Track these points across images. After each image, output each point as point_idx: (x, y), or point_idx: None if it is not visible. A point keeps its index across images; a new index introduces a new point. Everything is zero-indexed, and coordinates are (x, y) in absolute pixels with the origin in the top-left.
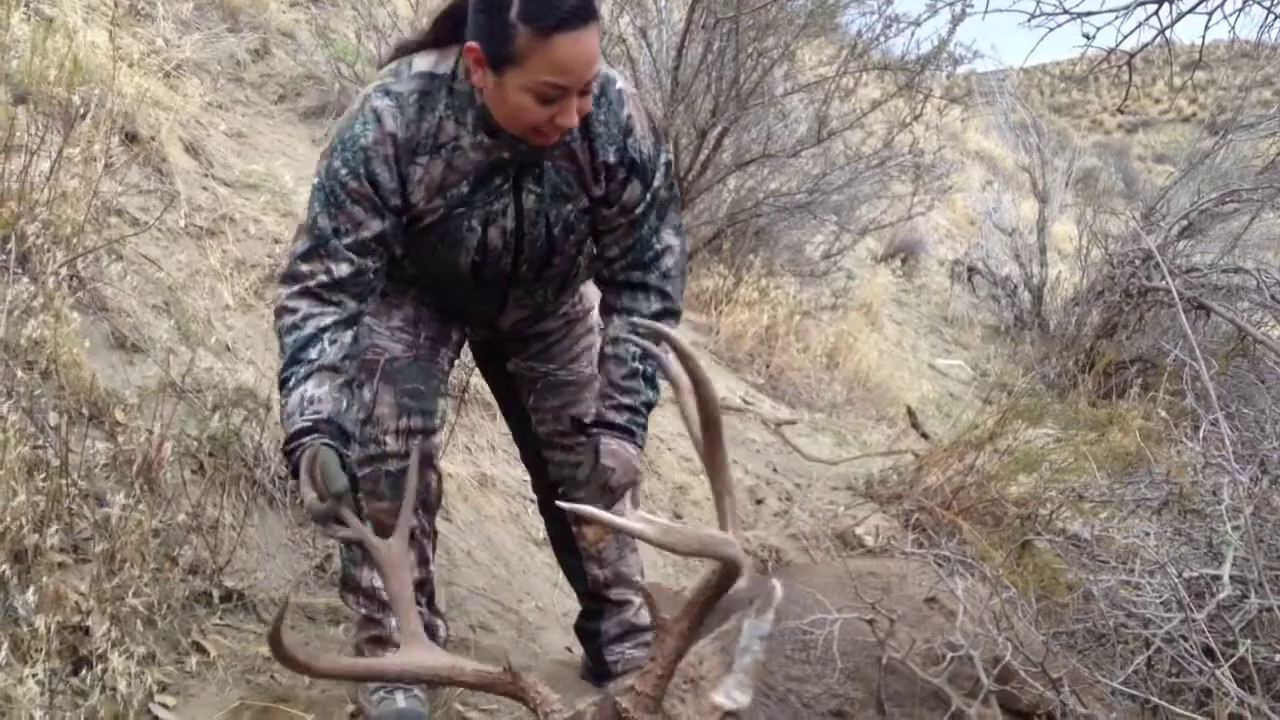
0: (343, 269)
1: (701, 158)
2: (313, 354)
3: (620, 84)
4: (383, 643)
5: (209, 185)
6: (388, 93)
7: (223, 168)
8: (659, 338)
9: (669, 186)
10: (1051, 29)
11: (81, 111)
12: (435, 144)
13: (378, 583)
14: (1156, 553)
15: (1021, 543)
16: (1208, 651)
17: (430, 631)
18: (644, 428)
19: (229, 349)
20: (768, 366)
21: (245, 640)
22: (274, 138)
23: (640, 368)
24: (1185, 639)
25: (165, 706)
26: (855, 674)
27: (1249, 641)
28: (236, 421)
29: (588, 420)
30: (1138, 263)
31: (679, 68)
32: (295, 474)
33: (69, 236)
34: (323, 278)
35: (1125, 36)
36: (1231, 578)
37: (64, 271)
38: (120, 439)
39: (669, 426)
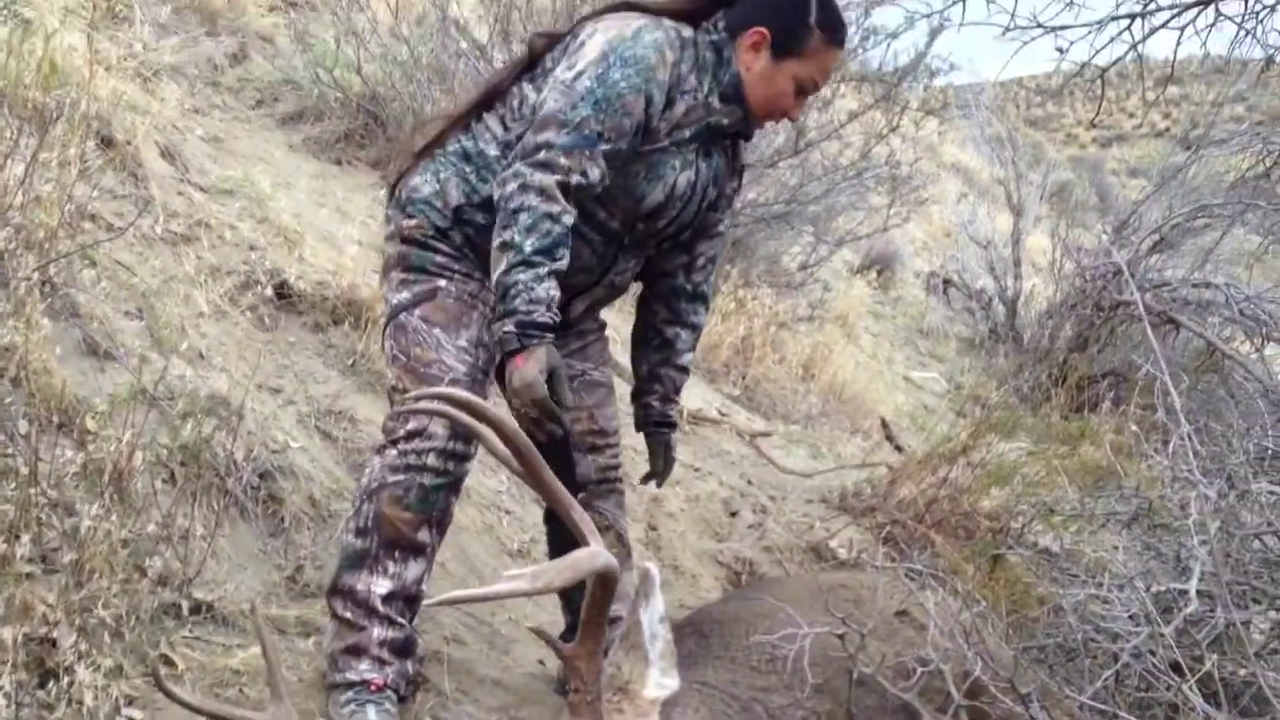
0: (594, 174)
1: None
2: (559, 254)
3: None
4: (358, 653)
5: (185, 190)
6: (659, 28)
7: (199, 173)
8: (443, 399)
9: None
10: (1026, 43)
11: (57, 115)
12: (684, 88)
13: (377, 589)
14: (1125, 567)
15: (993, 556)
16: (1175, 666)
17: (409, 646)
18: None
19: (202, 356)
20: (744, 377)
21: (214, 653)
22: (251, 143)
23: (689, 369)
24: (1153, 653)
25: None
26: (825, 687)
27: (1215, 656)
28: (208, 430)
29: (652, 419)
30: (1109, 277)
31: None
32: (512, 351)
33: (41, 241)
34: (579, 178)
35: (1098, 51)
36: (1199, 592)
37: (36, 277)
38: (91, 447)
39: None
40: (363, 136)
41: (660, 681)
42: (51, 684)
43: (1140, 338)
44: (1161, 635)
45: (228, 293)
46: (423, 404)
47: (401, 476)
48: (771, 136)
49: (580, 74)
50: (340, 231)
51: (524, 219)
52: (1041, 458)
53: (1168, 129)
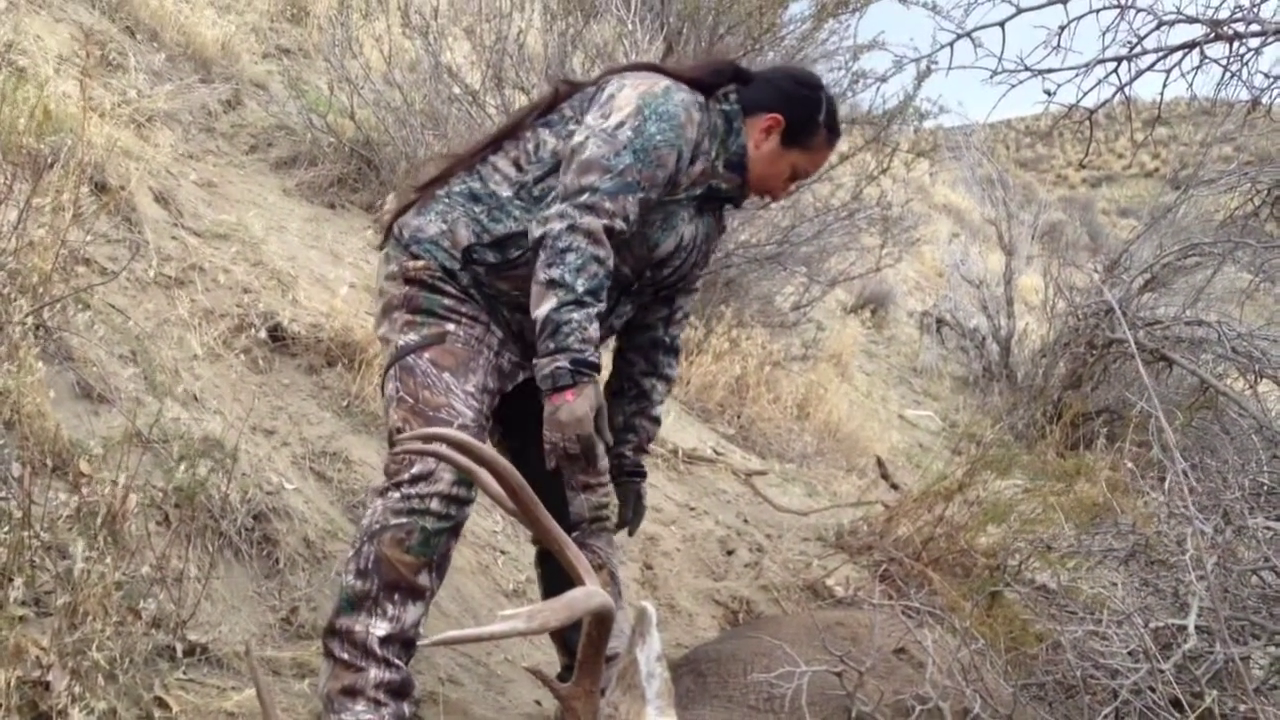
0: (628, 221)
1: None
2: (604, 297)
3: None
4: (354, 694)
5: (178, 235)
6: (681, 89)
7: (193, 217)
8: (439, 440)
9: None
10: (1014, 85)
11: (51, 161)
12: (700, 149)
13: (375, 630)
14: (1123, 603)
15: (990, 593)
16: (1175, 702)
17: (405, 688)
18: None
19: (196, 399)
20: (738, 417)
21: (209, 695)
22: (245, 187)
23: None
24: (1153, 689)
25: None
26: None
27: (1215, 692)
28: (203, 472)
29: (625, 469)
30: (1101, 315)
31: None
32: (563, 386)
33: (35, 285)
34: (620, 223)
35: (1086, 93)
36: (1197, 628)
37: (30, 321)
38: (84, 490)
39: None
40: (355, 180)
41: None
42: None
43: (1134, 375)
44: (1161, 671)
45: (221, 335)
46: (419, 445)
47: (404, 520)
48: None
49: (621, 124)
50: (333, 274)
51: (573, 259)
52: (1037, 495)
53: (1157, 169)
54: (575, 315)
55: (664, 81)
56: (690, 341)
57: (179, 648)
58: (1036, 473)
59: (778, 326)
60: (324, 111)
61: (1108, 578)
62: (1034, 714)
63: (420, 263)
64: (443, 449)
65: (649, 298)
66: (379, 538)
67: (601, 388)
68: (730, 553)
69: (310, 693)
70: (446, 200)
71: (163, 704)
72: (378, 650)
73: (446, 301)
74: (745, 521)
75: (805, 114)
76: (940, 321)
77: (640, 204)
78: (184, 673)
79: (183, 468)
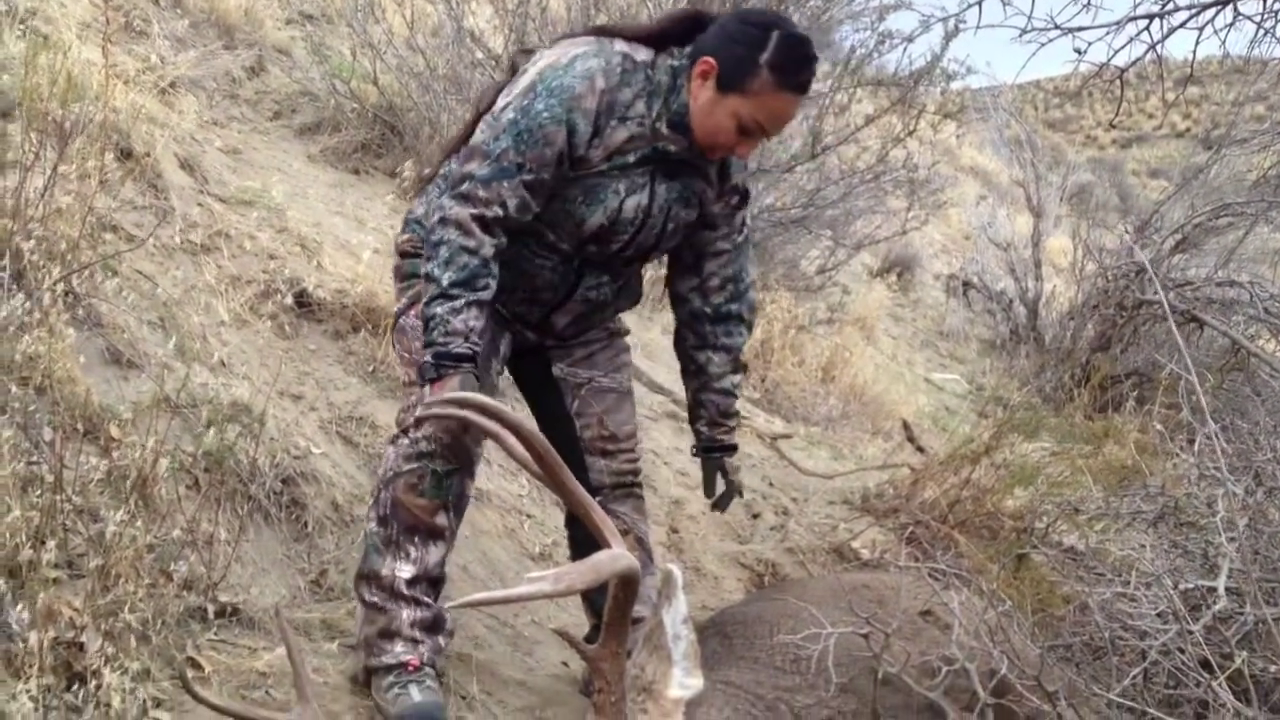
0: (513, 204)
1: None
2: (480, 284)
3: None
4: (390, 636)
5: (204, 201)
6: (597, 55)
7: (218, 184)
8: (461, 405)
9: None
10: (1043, 44)
11: (76, 128)
12: (625, 115)
13: (401, 573)
14: (1152, 565)
15: (1017, 556)
16: (1204, 664)
17: (439, 623)
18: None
19: (224, 365)
20: (763, 380)
21: (240, 655)
22: (269, 154)
23: (736, 392)
24: (1182, 651)
25: None
26: (849, 687)
27: (1245, 653)
28: (231, 437)
29: (702, 445)
30: (1131, 276)
31: None
32: (429, 380)
33: (64, 253)
34: (497, 210)
35: (1116, 52)
36: (1227, 590)
37: (59, 287)
38: (115, 455)
39: (664, 441)
40: (379, 146)
41: (684, 682)
42: (79, 687)
43: (1164, 337)
44: (1190, 632)
45: (248, 301)
46: (446, 409)
47: (415, 465)
48: (788, 142)
49: (507, 105)
50: (357, 240)
51: (443, 252)
52: (1065, 458)
53: (1188, 129)
54: (439, 310)
55: (577, 49)
56: None
57: (210, 609)
58: (1064, 435)
59: (803, 290)
60: (347, 77)
61: (1136, 540)
62: (1061, 675)
63: (405, 236)
64: (468, 414)
65: (627, 266)
66: (393, 484)
67: (477, 374)
68: (756, 516)
69: (340, 653)
70: (435, 182)
71: (195, 664)
72: (405, 591)
73: None
74: (770, 485)
75: (742, 53)
76: (967, 284)
77: (532, 185)
78: (215, 634)
79: (211, 432)
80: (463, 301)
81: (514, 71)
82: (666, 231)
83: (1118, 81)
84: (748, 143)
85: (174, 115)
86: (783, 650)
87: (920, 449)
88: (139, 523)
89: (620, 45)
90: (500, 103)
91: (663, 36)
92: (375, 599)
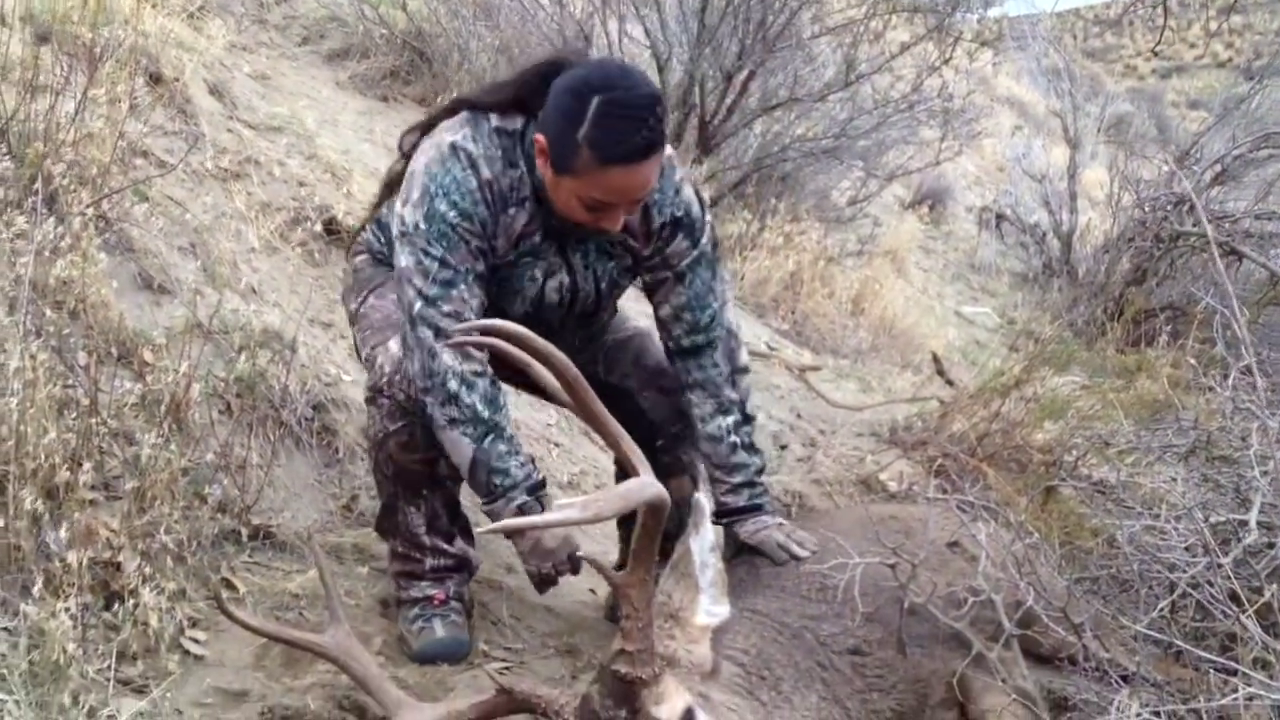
0: (474, 304)
1: (727, 102)
2: (502, 401)
3: (669, 152)
4: (414, 577)
5: (233, 127)
6: (475, 141)
7: (247, 110)
8: (487, 332)
9: (714, 245)
10: None
11: (105, 52)
12: (519, 196)
13: (415, 525)
14: (1183, 498)
15: (1046, 489)
16: (1233, 597)
17: (463, 564)
18: (765, 492)
19: (255, 291)
20: (792, 312)
21: (273, 577)
22: (297, 80)
23: (736, 440)
24: (1211, 584)
25: (196, 641)
26: (875, 616)
27: (1275, 587)
28: (262, 363)
29: (713, 511)
30: (1169, 208)
31: (705, 10)
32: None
33: (95, 177)
34: (470, 316)
35: None
36: (1259, 523)
37: (90, 212)
38: (149, 379)
39: None
40: (408, 73)
41: (711, 609)
42: (117, 606)
43: (1200, 270)
44: (1219, 565)
45: (278, 228)
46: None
47: (401, 422)
48: (821, 70)
49: (416, 221)
50: (386, 167)
51: (449, 388)
52: (1096, 391)
53: (1230, 59)
54: (499, 448)
55: (451, 136)
56: (744, 236)
57: (244, 532)
58: (1096, 370)
59: (833, 222)
60: (376, 3)
61: (1167, 474)
62: (1088, 607)
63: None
64: (497, 341)
65: (583, 325)
66: (385, 445)
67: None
68: (783, 447)
69: (371, 576)
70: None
71: (230, 585)
72: (426, 541)
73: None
74: (798, 416)
75: (564, 129)
76: (1000, 217)
77: (479, 279)
78: (249, 556)
79: (243, 358)
80: (508, 429)
81: (402, 152)
82: (603, 289)
83: (1160, 8)
84: (607, 217)
85: (202, 40)
86: (809, 579)
87: (950, 382)
88: (173, 446)
89: (495, 120)
90: (407, 218)
91: (532, 97)
92: (399, 548)
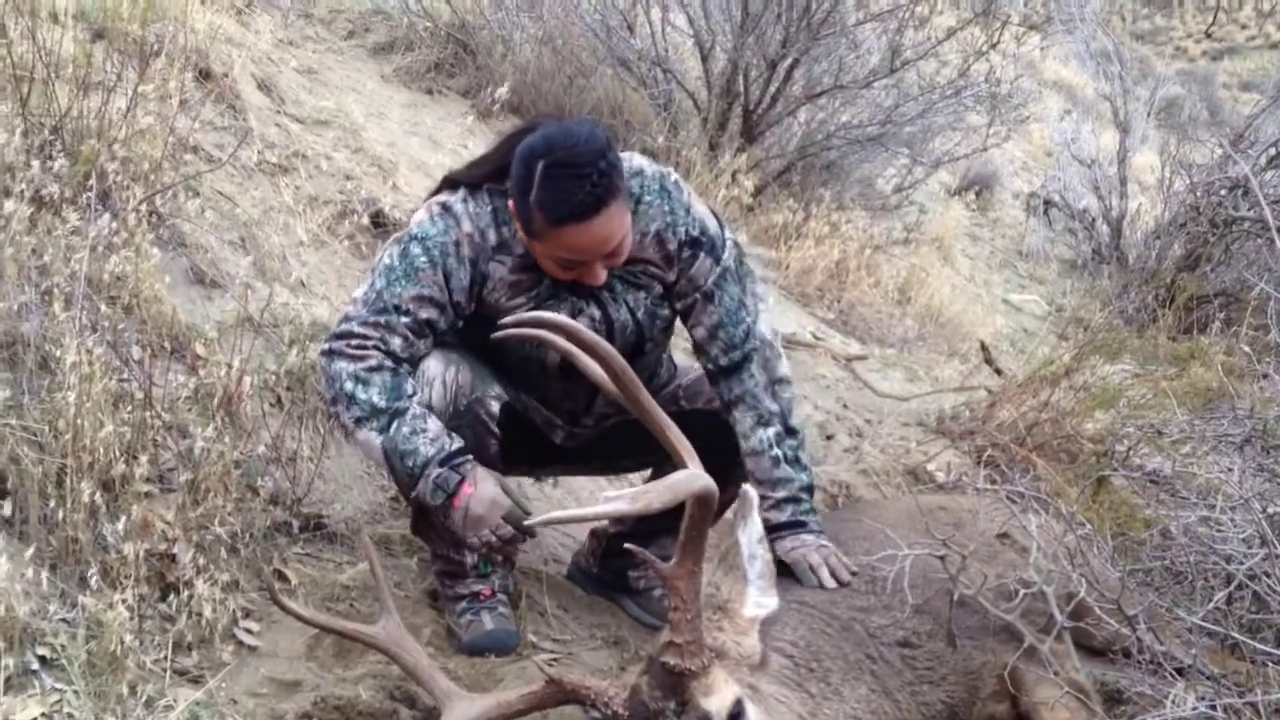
0: (396, 343)
1: (771, 90)
2: (408, 389)
3: (675, 176)
4: (458, 576)
5: (281, 122)
6: (465, 201)
7: (294, 104)
8: (538, 325)
9: (739, 260)
10: None
11: (156, 49)
12: (510, 250)
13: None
14: (1240, 488)
15: (1097, 479)
16: None
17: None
18: (811, 510)
19: (304, 284)
20: (838, 301)
21: (325, 569)
22: (343, 74)
23: (779, 453)
24: (1268, 575)
25: (250, 632)
26: (925, 608)
27: None
28: (312, 356)
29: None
30: (1223, 192)
31: None
32: (451, 494)
33: (147, 173)
34: (379, 346)
35: None
36: None
37: (143, 208)
38: (201, 373)
39: None
40: (452, 65)
41: (759, 601)
42: (172, 597)
43: (1255, 255)
44: (1277, 557)
45: (325, 222)
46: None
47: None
48: (866, 56)
49: (388, 251)
50: (432, 160)
51: (347, 386)
52: (1148, 380)
53: None
54: (402, 431)
55: (442, 199)
56: (789, 225)
57: (295, 524)
58: (1147, 357)
59: (879, 209)
60: None
61: (1222, 464)
62: (1141, 600)
63: None
64: (543, 334)
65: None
66: None
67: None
68: (830, 438)
69: (419, 568)
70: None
71: (282, 577)
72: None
73: None
74: (844, 406)
75: (519, 198)
76: (1048, 203)
77: (414, 326)
78: (301, 548)
79: (293, 351)
80: (410, 413)
81: None
82: (641, 321)
83: None
84: (587, 273)
85: (250, 35)
86: (859, 571)
87: (998, 371)
88: (226, 439)
89: (489, 186)
90: (384, 258)
91: (498, 174)
92: (438, 547)
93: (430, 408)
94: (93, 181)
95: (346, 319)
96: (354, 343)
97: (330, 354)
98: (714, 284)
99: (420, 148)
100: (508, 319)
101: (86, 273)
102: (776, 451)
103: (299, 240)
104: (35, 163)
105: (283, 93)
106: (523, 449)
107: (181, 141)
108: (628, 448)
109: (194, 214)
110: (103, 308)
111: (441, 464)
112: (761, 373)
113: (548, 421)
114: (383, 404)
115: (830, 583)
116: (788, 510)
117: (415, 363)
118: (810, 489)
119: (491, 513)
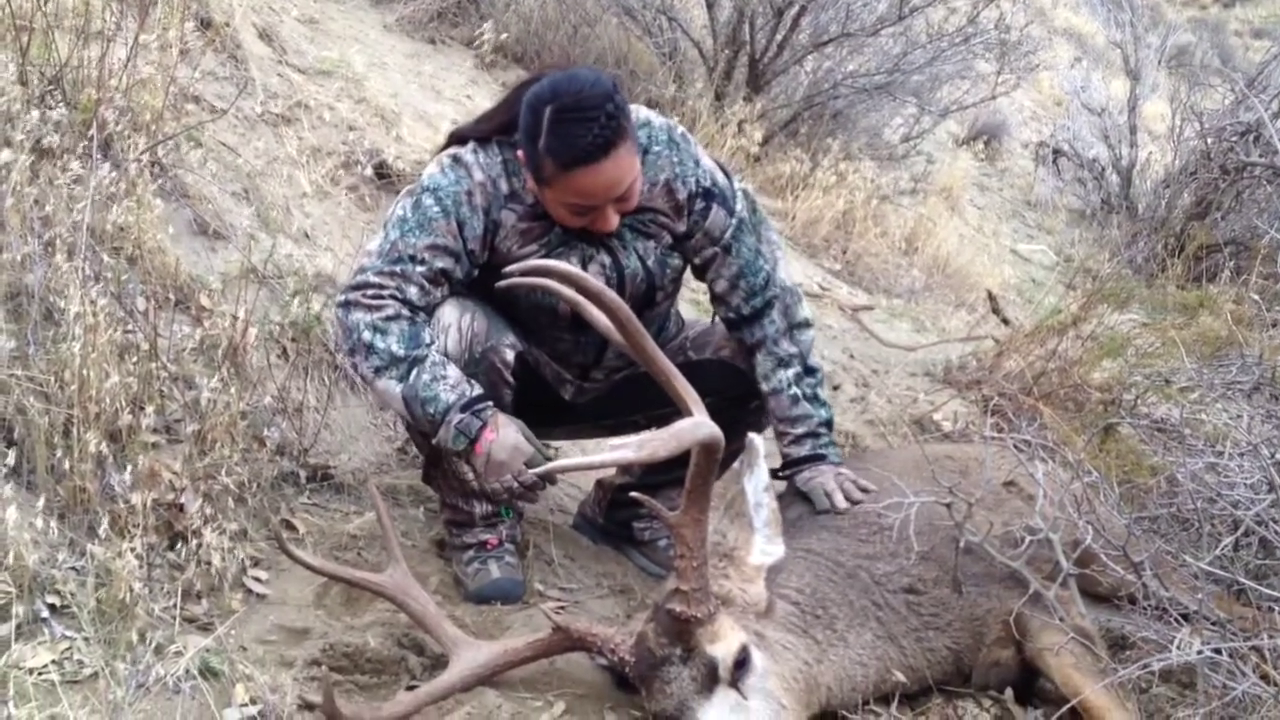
0: (412, 291)
1: (778, 38)
2: (426, 338)
3: (681, 129)
4: (466, 525)
5: (283, 72)
6: (476, 153)
7: (296, 54)
8: (541, 274)
9: (753, 209)
10: None
11: None
12: (521, 200)
13: (461, 473)
14: (1248, 435)
15: (1104, 427)
16: None
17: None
18: (831, 443)
19: (307, 236)
20: (844, 252)
21: (332, 518)
22: (345, 24)
23: (798, 391)
24: (1275, 521)
25: (258, 580)
26: (930, 555)
27: None
28: (317, 307)
29: (776, 467)
30: (1235, 138)
31: None
32: (473, 439)
33: (149, 123)
34: (396, 295)
35: None
36: None
37: (145, 158)
38: (206, 324)
39: None
40: (455, 15)
41: (765, 548)
42: (180, 546)
43: (1265, 203)
44: None
45: (329, 173)
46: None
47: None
48: (873, 4)
49: (399, 204)
50: (435, 110)
51: (365, 335)
52: (1156, 329)
53: None
54: (423, 378)
55: (452, 152)
56: (796, 175)
57: (302, 474)
58: (1156, 307)
59: (886, 159)
60: None
61: (1231, 410)
62: (1148, 546)
63: None
64: (548, 282)
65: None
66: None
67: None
68: (836, 388)
69: (426, 518)
70: None
71: (290, 526)
72: (474, 488)
73: None
74: (851, 357)
75: (529, 146)
76: (1057, 152)
77: (430, 275)
78: (308, 498)
79: (297, 302)
80: (430, 360)
81: None
82: (651, 267)
83: None
84: (598, 218)
85: None
86: (864, 519)
87: (1005, 321)
88: (232, 390)
89: (500, 141)
90: (397, 209)
91: (504, 128)
92: (446, 496)
93: (446, 355)
94: (93, 132)
95: (361, 270)
96: (370, 293)
97: (346, 305)
98: (731, 236)
99: (423, 98)
100: (513, 267)
101: (89, 223)
102: (795, 390)
103: (302, 191)
104: (35, 112)
105: (284, 42)
106: (532, 406)
107: (183, 92)
108: (637, 402)
109: (196, 165)
110: (106, 258)
111: (463, 409)
112: (782, 318)
113: (557, 376)
114: (401, 352)
115: (843, 504)
116: (807, 445)
117: (431, 311)
118: (829, 424)
119: (514, 458)
